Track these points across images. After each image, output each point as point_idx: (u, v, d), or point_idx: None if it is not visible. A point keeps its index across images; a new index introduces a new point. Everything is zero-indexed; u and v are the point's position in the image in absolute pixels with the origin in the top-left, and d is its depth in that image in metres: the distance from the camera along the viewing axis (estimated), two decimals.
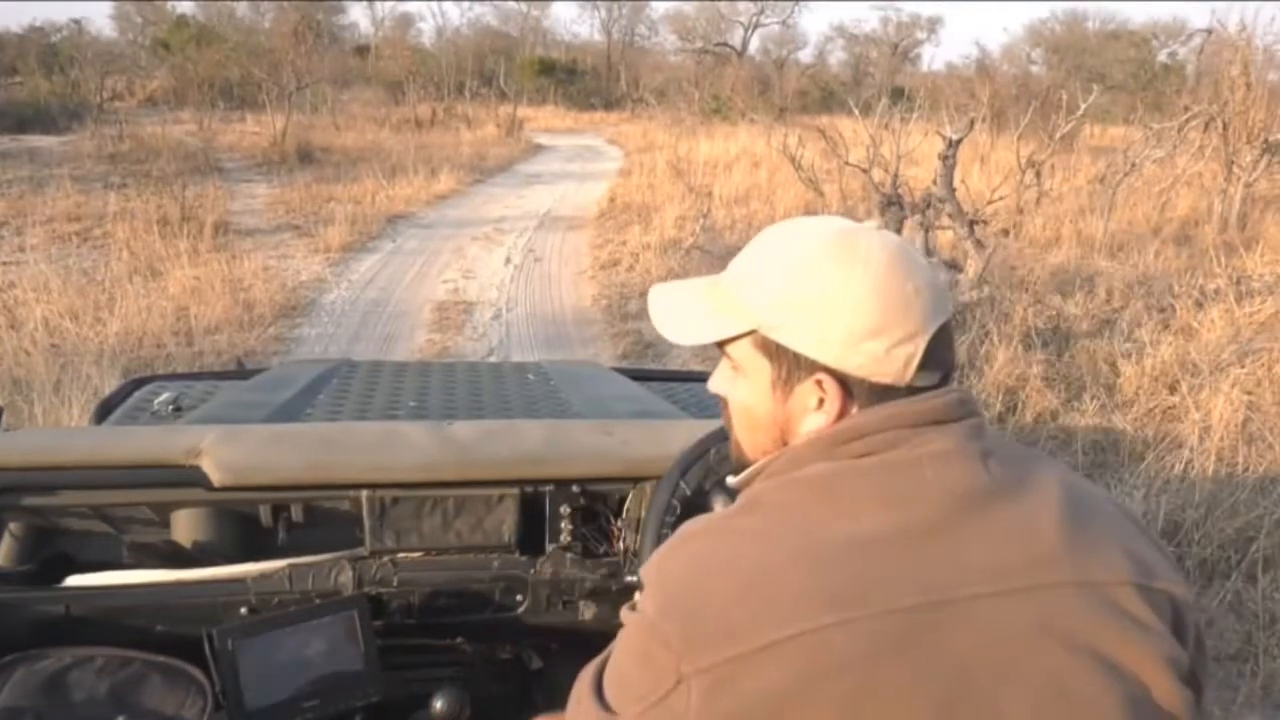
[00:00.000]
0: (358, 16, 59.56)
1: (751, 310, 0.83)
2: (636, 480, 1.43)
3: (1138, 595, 0.76)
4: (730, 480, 0.92)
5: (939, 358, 0.81)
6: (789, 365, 0.81)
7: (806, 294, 0.79)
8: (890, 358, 0.78)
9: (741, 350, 0.85)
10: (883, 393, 0.79)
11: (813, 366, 0.80)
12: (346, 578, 1.36)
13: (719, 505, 1.29)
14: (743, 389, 0.86)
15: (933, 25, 38.32)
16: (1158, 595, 0.77)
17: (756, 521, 0.77)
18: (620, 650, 0.77)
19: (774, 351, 0.82)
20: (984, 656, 0.70)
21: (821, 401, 0.80)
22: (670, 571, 0.76)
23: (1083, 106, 9.43)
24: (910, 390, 0.80)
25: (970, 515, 0.75)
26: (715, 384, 0.92)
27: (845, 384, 0.80)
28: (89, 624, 1.30)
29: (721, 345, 0.87)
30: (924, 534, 0.73)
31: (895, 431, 0.78)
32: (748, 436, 0.89)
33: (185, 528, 1.40)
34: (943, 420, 0.79)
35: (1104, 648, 0.73)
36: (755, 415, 0.86)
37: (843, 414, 0.80)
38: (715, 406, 0.98)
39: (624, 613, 0.79)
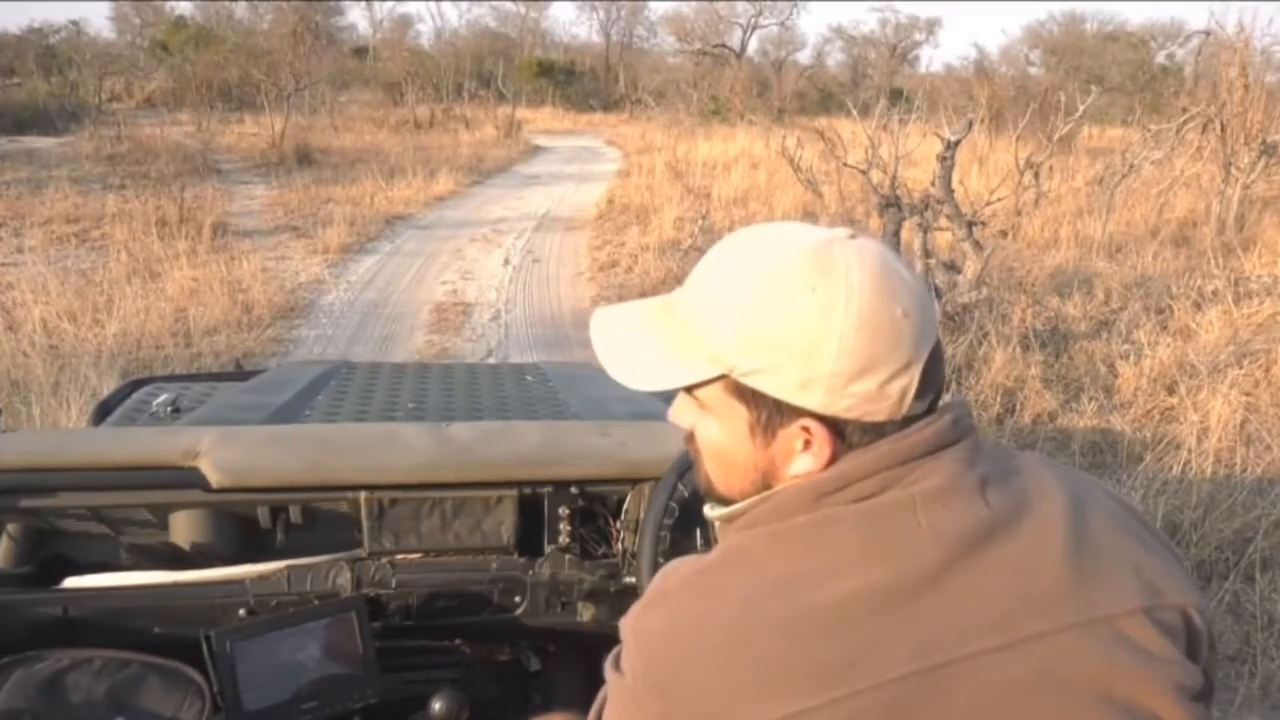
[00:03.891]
0: (356, 18, 59.85)
1: (719, 351, 0.72)
2: (635, 481, 1.43)
3: (1148, 622, 0.71)
4: (708, 513, 0.84)
5: (933, 382, 0.73)
6: (769, 411, 0.72)
7: (782, 332, 0.70)
8: (883, 394, 0.71)
9: (711, 394, 0.75)
10: (877, 429, 0.72)
11: (796, 413, 0.72)
12: (345, 579, 1.36)
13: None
14: (714, 429, 0.77)
15: (931, 27, 38.55)
16: (1169, 613, 0.73)
17: (737, 580, 0.70)
18: (609, 712, 0.74)
19: (750, 397, 0.73)
20: (986, 715, 0.66)
21: (808, 444, 0.73)
22: (648, 633, 0.71)
23: (1081, 108, 9.43)
24: (904, 420, 0.72)
25: (967, 561, 0.69)
26: (676, 416, 0.81)
27: (835, 426, 0.72)
28: (87, 626, 1.30)
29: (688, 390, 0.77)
30: (917, 589, 0.67)
31: (887, 473, 0.71)
32: (721, 477, 0.79)
33: (183, 529, 1.40)
34: (936, 448, 0.72)
35: (1115, 690, 0.69)
36: (731, 459, 0.77)
37: (835, 456, 0.73)
38: None
39: (607, 668, 0.74)
